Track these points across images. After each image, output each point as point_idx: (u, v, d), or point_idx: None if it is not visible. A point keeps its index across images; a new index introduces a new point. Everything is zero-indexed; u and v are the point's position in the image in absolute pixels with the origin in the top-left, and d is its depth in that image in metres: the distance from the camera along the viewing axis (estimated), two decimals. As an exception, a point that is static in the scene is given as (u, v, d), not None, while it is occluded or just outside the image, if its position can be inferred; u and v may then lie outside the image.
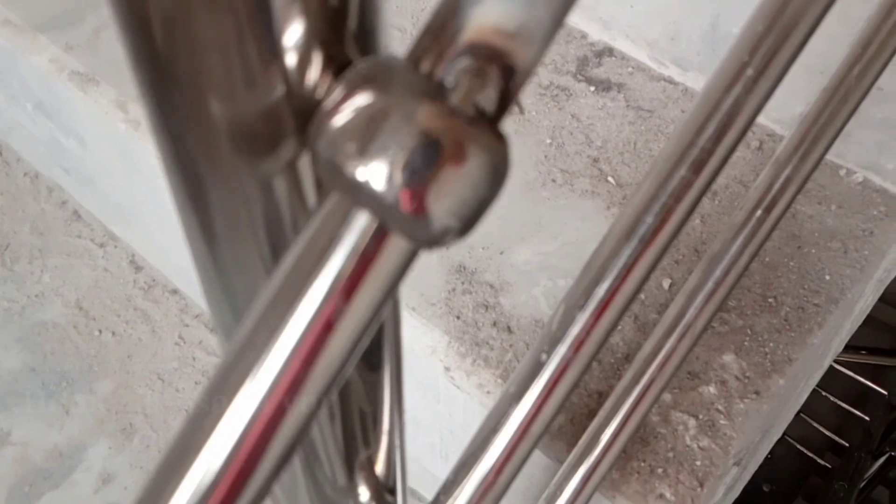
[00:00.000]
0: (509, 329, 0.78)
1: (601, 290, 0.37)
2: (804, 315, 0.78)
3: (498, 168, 0.19)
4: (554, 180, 0.89)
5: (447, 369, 0.77)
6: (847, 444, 3.04)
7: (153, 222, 1.18)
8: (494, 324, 0.78)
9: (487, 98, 0.19)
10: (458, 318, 0.79)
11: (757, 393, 0.73)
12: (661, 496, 0.68)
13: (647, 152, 0.92)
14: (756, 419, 0.72)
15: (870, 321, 1.14)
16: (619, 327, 0.77)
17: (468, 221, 0.20)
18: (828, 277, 0.81)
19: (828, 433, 3.08)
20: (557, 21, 0.19)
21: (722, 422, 0.72)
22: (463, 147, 0.19)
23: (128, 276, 1.25)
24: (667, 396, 0.73)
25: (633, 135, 0.93)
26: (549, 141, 0.93)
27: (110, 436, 1.10)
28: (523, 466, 0.38)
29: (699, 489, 0.69)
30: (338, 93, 0.20)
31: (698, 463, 0.70)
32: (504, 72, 0.19)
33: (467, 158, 0.19)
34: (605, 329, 0.37)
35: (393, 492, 0.39)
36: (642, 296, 0.81)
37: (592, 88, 0.97)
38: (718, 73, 0.39)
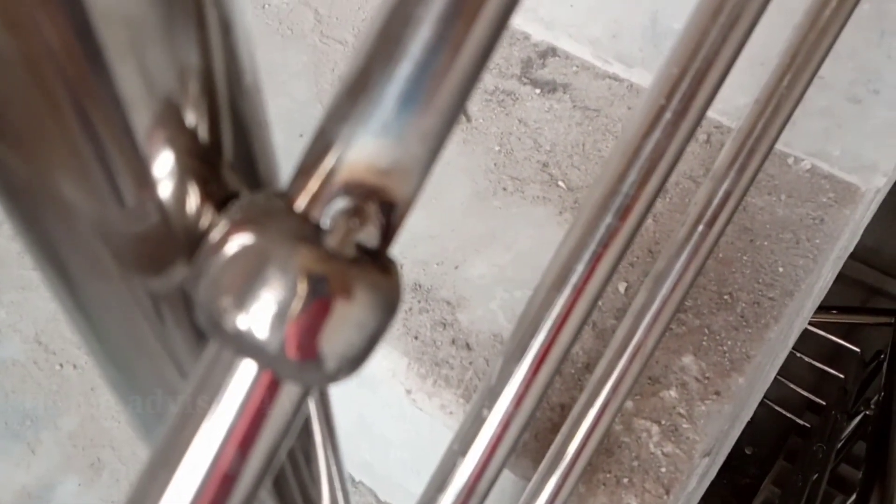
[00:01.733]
0: (468, 346, 0.78)
1: (537, 343, 0.37)
2: (760, 310, 0.78)
3: (387, 302, 0.19)
4: (505, 188, 0.89)
5: (408, 392, 0.77)
6: (824, 403, 3.09)
7: (107, 251, 1.16)
8: (453, 341, 0.78)
9: (369, 234, 0.19)
10: (416, 338, 0.78)
11: (717, 393, 0.73)
12: (629, 506, 0.69)
13: (596, 153, 0.91)
14: (718, 419, 0.73)
15: (840, 278, 1.15)
16: (578, 336, 0.77)
17: (361, 357, 0.19)
18: (781, 269, 0.81)
19: (805, 393, 3.13)
20: (433, 153, 0.18)
21: (685, 426, 0.72)
22: (346, 289, 0.18)
23: (86, 306, 1.23)
24: (628, 403, 0.73)
25: (581, 136, 0.93)
26: (497, 148, 0.92)
27: (79, 472, 1.09)
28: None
29: (665, 496, 0.69)
30: (219, 230, 0.19)
31: (663, 469, 0.70)
32: (383, 207, 0.19)
33: (352, 299, 0.18)
34: (545, 380, 0.37)
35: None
36: (599, 302, 0.80)
37: (538, 91, 0.97)
38: (661, 74, 0.38)
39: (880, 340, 2.82)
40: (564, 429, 0.66)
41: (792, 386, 3.07)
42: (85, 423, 1.12)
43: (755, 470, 3.55)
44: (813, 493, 2.26)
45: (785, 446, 3.33)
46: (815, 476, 2.47)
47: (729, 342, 0.76)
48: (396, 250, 0.85)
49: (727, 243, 0.83)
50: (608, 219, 0.35)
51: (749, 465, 3.58)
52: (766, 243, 0.83)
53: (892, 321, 2.76)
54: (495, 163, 0.91)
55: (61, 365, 1.17)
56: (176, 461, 0.19)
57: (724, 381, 0.74)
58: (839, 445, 2.48)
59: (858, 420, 2.59)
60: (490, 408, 0.37)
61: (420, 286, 0.82)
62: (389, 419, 0.87)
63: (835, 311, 2.86)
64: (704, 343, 0.76)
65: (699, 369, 0.75)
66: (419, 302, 0.81)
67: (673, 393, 0.74)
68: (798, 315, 0.85)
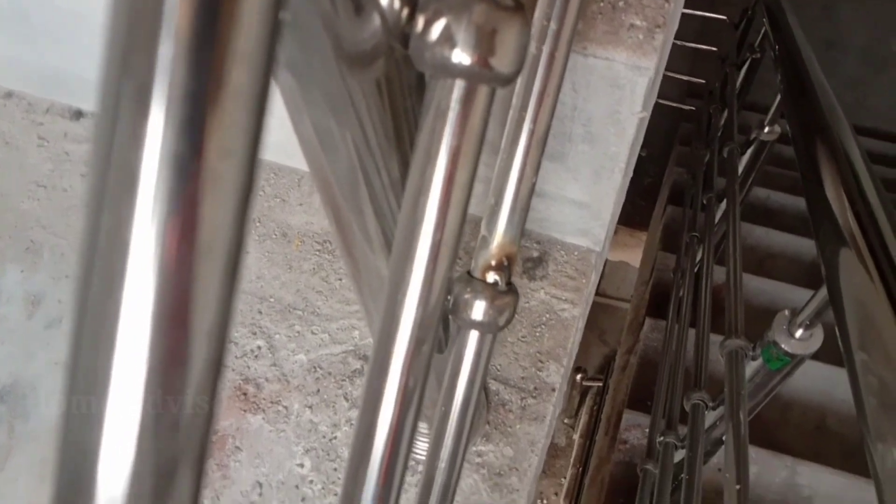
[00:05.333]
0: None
1: None
2: None
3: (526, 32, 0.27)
4: None
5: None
6: (704, 81, 3.15)
7: (-50, 22, 0.99)
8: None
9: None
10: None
11: None
12: (633, 26, 0.64)
13: None
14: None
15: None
16: None
17: (516, 70, 0.28)
18: None
19: (684, 77, 3.18)
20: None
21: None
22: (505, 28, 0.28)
23: (-52, 96, 1.07)
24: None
25: None
26: None
27: (16, 260, 0.98)
28: None
29: (666, 5, 0.64)
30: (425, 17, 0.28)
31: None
32: None
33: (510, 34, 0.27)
34: None
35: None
36: None
37: None
38: None
39: (740, 5, 2.85)
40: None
41: (670, 74, 3.11)
42: (1, 213, 1.00)
43: (654, 168, 3.68)
44: (726, 134, 2.30)
45: (677, 134, 3.42)
46: (723, 120, 2.50)
47: None
48: None
49: None
50: None
51: (648, 166, 3.71)
52: None
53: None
54: None
55: (-51, 163, 1.03)
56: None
57: None
58: (737, 92, 2.54)
59: (748, 65, 2.64)
60: None
61: None
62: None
63: (695, -16, 2.83)
64: None
65: None
66: None
67: None
68: None
